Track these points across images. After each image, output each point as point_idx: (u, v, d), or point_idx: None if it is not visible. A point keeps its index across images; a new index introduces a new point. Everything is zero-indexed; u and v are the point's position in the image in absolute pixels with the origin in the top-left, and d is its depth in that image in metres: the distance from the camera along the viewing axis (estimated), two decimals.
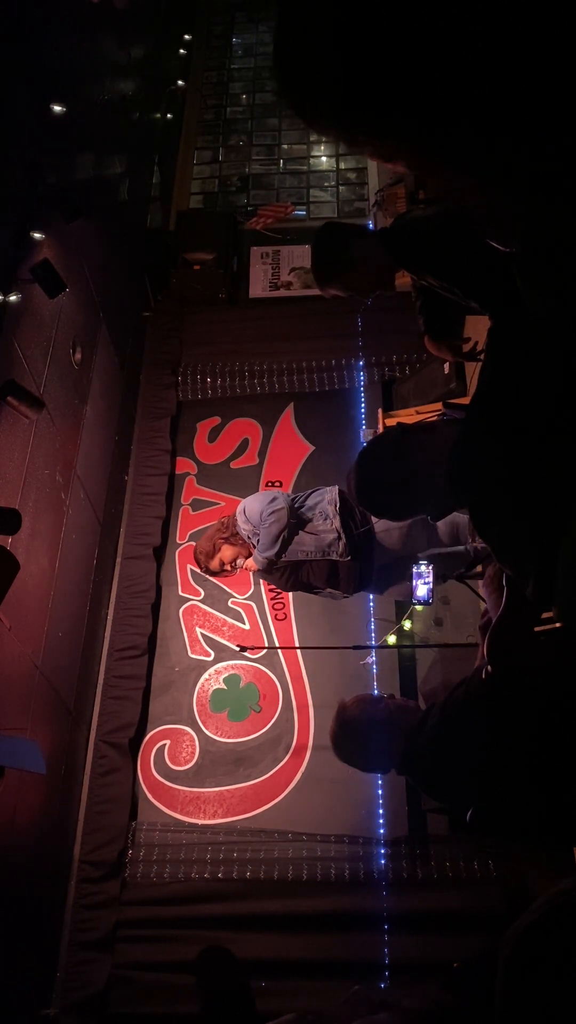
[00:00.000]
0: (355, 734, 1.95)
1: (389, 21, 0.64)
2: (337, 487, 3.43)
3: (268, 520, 3.29)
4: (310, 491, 3.49)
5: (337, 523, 3.31)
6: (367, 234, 2.48)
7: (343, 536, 3.29)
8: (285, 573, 3.34)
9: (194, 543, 4.85)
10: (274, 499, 3.37)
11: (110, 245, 4.74)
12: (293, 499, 3.42)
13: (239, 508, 3.45)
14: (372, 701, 1.96)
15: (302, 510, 3.39)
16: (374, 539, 3.31)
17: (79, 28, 4.22)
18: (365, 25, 0.65)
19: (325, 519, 3.34)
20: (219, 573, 3.45)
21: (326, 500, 3.39)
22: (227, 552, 3.35)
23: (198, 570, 3.66)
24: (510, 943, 0.99)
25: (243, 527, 3.37)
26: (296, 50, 0.73)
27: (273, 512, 3.30)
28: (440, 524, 3.31)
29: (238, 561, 3.33)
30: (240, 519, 3.39)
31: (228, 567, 3.35)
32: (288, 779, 4.11)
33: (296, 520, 3.36)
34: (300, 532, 3.33)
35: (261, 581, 4.24)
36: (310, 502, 3.41)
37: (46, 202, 3.55)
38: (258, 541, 3.33)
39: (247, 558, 3.43)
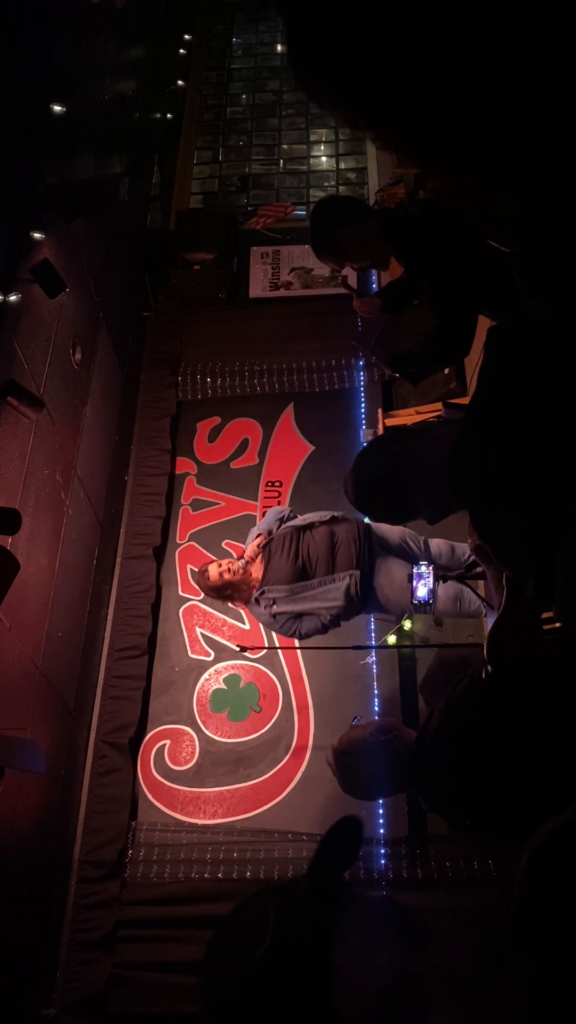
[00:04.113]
0: (358, 759, 1.93)
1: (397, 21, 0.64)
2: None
3: (275, 508, 3.75)
4: None
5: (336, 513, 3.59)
6: (366, 215, 2.47)
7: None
8: (285, 544, 3.44)
9: (194, 543, 4.91)
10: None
11: (110, 245, 4.75)
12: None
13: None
14: (362, 727, 1.95)
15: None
16: (373, 533, 3.49)
17: (79, 28, 4.22)
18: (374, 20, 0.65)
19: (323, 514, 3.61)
20: (221, 590, 3.50)
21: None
22: (231, 562, 3.53)
23: (202, 594, 3.88)
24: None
25: (251, 538, 3.64)
26: (308, 35, 0.72)
27: (278, 507, 3.74)
28: (434, 548, 3.39)
29: (238, 563, 3.45)
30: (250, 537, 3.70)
31: (228, 573, 3.44)
32: (288, 779, 4.10)
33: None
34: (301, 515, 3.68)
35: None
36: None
37: (46, 202, 3.55)
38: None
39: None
